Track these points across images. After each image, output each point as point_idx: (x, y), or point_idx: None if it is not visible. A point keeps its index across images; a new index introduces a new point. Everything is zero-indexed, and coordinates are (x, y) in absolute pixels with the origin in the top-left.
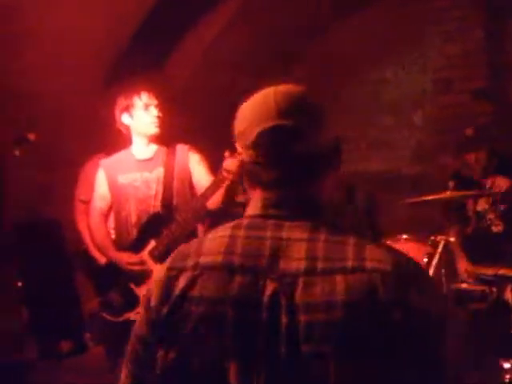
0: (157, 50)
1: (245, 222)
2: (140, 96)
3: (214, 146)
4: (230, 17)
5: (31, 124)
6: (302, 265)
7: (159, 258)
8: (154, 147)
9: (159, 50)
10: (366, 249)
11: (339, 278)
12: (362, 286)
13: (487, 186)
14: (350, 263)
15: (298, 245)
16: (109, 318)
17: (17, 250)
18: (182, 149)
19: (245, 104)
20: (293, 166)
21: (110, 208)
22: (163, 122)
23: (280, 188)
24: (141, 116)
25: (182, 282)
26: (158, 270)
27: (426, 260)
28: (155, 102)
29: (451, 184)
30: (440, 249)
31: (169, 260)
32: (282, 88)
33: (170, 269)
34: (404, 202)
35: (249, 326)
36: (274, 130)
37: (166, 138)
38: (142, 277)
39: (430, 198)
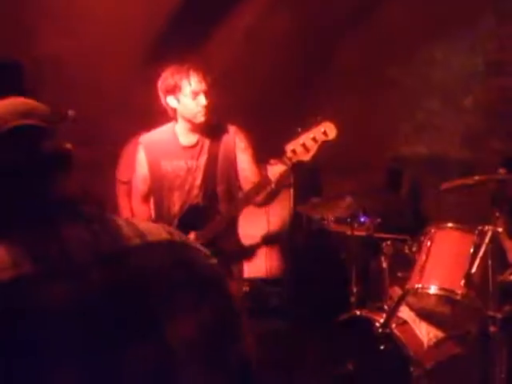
0: (197, 30)
1: None
2: (189, 79)
3: (254, 128)
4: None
5: (72, 102)
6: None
7: None
8: (199, 131)
9: (199, 31)
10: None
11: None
12: None
13: None
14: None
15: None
16: None
17: None
18: (228, 133)
19: None
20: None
21: (151, 189)
22: (211, 109)
23: None
24: (188, 104)
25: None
26: None
27: (472, 250)
28: (204, 87)
29: (502, 171)
30: (487, 239)
31: None
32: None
33: None
34: (450, 187)
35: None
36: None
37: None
38: None
39: (470, 181)
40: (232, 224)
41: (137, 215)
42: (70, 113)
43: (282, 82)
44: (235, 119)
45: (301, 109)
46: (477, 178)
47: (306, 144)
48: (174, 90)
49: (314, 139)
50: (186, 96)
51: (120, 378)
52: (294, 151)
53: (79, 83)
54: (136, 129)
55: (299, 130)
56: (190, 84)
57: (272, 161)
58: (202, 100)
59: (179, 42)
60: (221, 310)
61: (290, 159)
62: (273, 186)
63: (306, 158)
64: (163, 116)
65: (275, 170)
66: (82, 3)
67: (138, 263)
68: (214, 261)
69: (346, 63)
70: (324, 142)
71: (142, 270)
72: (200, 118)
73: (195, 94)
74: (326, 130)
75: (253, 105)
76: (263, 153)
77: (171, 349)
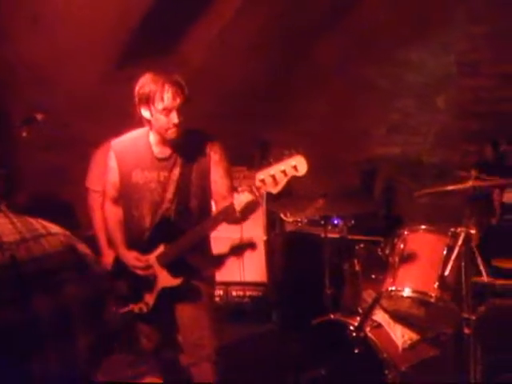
0: (171, 30)
1: None
2: (163, 95)
3: (230, 128)
4: None
5: (43, 105)
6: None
7: (165, 264)
8: (173, 143)
9: (174, 31)
10: None
11: None
12: None
13: None
14: None
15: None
16: (113, 308)
17: None
18: (203, 145)
19: None
20: None
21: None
22: (183, 126)
23: None
24: (160, 119)
25: None
26: None
27: (445, 253)
28: (178, 103)
29: (474, 172)
30: (460, 241)
31: None
32: None
33: None
34: (421, 193)
35: None
36: None
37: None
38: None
39: (449, 188)
40: (203, 240)
41: (108, 217)
42: (39, 116)
43: (256, 82)
44: (208, 119)
45: (275, 109)
46: (451, 186)
47: (275, 176)
48: (147, 101)
49: (284, 172)
50: (159, 111)
51: None
52: (263, 181)
53: (51, 86)
54: (108, 132)
55: (271, 159)
56: (163, 100)
57: (240, 188)
58: (174, 118)
59: (152, 44)
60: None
61: (258, 189)
62: (237, 215)
63: (274, 190)
64: (137, 119)
65: (242, 198)
66: (55, 6)
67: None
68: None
69: (320, 64)
70: (293, 177)
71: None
72: (170, 135)
73: (168, 111)
74: (297, 165)
75: (226, 105)
76: (233, 155)
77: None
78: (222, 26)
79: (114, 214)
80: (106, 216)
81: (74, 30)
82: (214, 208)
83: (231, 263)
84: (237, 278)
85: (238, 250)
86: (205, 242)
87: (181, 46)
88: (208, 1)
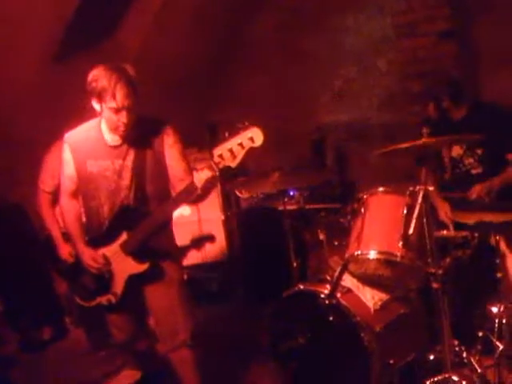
0: (106, 18)
1: None
2: (115, 94)
3: (176, 111)
4: None
5: None
6: None
7: (130, 251)
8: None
9: (108, 18)
10: None
11: None
12: None
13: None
14: None
15: None
16: (81, 302)
17: None
18: (156, 129)
19: None
20: None
21: (79, 189)
22: (132, 125)
23: None
24: (110, 116)
25: None
26: None
27: (405, 212)
28: (128, 103)
29: (425, 130)
30: (420, 199)
31: None
32: None
33: None
34: (377, 153)
35: None
36: None
37: None
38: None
39: (404, 145)
40: (164, 223)
41: (66, 212)
42: None
43: (196, 64)
44: (148, 106)
45: (219, 89)
46: (406, 144)
47: (232, 149)
48: (98, 96)
49: (241, 145)
50: (109, 110)
51: None
52: (221, 156)
53: None
54: (53, 126)
55: (226, 134)
56: (115, 99)
57: (199, 166)
58: (123, 118)
59: (88, 33)
60: None
61: (216, 165)
62: (199, 191)
63: (233, 163)
64: (79, 114)
65: (201, 175)
66: None
67: None
68: None
69: (259, 38)
70: (251, 148)
71: None
72: (119, 133)
73: (118, 111)
74: (253, 137)
75: (166, 87)
76: (183, 137)
77: None
78: (156, 10)
79: (72, 207)
80: (63, 211)
81: (8, 26)
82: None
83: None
84: (199, 260)
85: (198, 242)
86: (167, 225)
87: (117, 34)
88: None
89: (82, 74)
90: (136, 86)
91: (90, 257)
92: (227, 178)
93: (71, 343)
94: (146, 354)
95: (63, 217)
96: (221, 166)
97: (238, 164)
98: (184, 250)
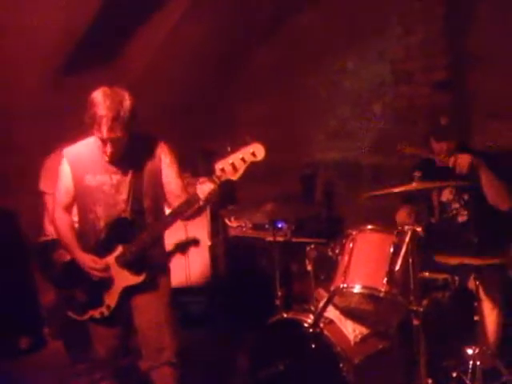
0: (116, 37)
1: None
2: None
3: (172, 135)
4: (185, 7)
5: None
6: None
7: (125, 264)
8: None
9: (118, 37)
10: None
11: None
12: None
13: (450, 165)
14: None
15: None
16: (73, 316)
17: None
18: (153, 148)
19: None
20: None
21: (74, 201)
22: (119, 154)
23: None
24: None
25: None
26: None
27: (392, 250)
28: (114, 135)
29: (417, 174)
30: (407, 239)
31: None
32: None
33: None
34: (367, 195)
35: None
36: None
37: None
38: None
39: (397, 190)
40: (160, 237)
41: (60, 224)
42: None
43: (197, 90)
44: (154, 124)
45: (217, 117)
46: (398, 188)
47: (234, 164)
48: (89, 122)
49: (243, 159)
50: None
51: None
52: (223, 170)
53: None
54: (51, 138)
55: (229, 149)
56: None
57: (201, 179)
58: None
59: (97, 51)
60: None
61: (218, 178)
62: (201, 203)
63: (234, 177)
64: (77, 128)
65: (204, 188)
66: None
67: None
68: None
69: (260, 71)
70: (252, 163)
71: None
72: (106, 159)
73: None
74: (255, 152)
75: (164, 111)
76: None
77: None
78: (165, 34)
79: (65, 221)
80: (57, 224)
81: (20, 38)
82: (166, 209)
83: (177, 268)
84: (182, 284)
85: (183, 247)
86: (161, 241)
87: (125, 53)
88: (153, 8)
89: (83, 89)
90: (129, 118)
91: (91, 260)
92: (216, 205)
93: (49, 355)
94: (126, 370)
95: (57, 228)
96: (223, 178)
97: (239, 177)
98: (169, 256)
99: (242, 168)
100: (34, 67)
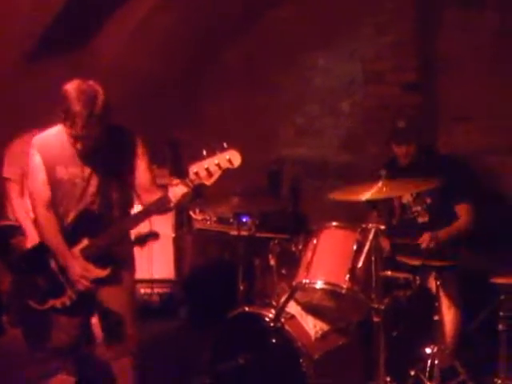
0: (85, 25)
1: None
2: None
3: (139, 125)
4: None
5: None
6: None
7: (91, 257)
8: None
9: (87, 26)
10: None
11: None
12: None
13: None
14: None
15: None
16: (33, 305)
17: None
18: (124, 139)
19: None
20: None
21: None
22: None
23: None
24: (69, 135)
25: None
26: None
27: (355, 247)
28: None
29: (383, 172)
30: (371, 236)
31: None
32: None
33: None
34: (332, 192)
35: None
36: None
37: None
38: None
39: (363, 198)
40: (128, 232)
41: (45, 224)
42: None
43: (166, 82)
44: (121, 113)
45: (185, 109)
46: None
47: (209, 169)
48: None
49: (219, 165)
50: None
51: None
52: (197, 174)
53: None
54: (20, 127)
55: (204, 152)
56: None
57: (174, 181)
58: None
59: (66, 38)
60: None
61: (192, 181)
62: (171, 205)
63: (208, 182)
64: (49, 114)
65: (177, 191)
66: None
67: None
68: None
69: (232, 64)
70: (227, 169)
71: None
72: (77, 150)
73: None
74: (231, 158)
75: (132, 101)
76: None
77: None
78: (136, 22)
79: (51, 218)
80: (42, 223)
81: None
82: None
83: (139, 260)
84: (145, 276)
85: (142, 240)
86: (128, 235)
87: (94, 42)
88: (119, 2)
89: (52, 77)
90: (103, 115)
91: (84, 268)
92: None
93: (7, 342)
94: (85, 359)
95: (42, 229)
96: (196, 182)
97: (213, 183)
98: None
99: (216, 174)
100: (1, 53)
